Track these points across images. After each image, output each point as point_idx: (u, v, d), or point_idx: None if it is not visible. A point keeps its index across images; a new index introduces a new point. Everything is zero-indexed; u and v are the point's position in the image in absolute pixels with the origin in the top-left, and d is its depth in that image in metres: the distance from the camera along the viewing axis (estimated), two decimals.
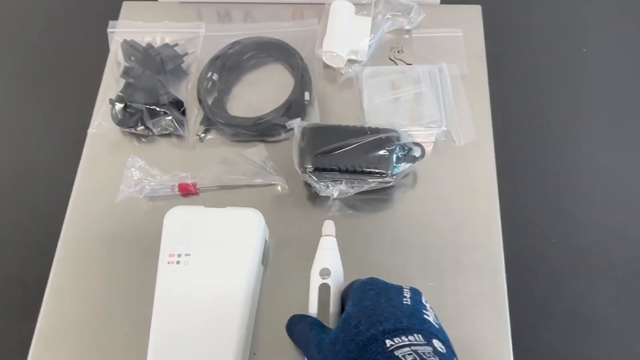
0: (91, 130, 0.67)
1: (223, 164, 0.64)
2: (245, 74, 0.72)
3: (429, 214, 0.62)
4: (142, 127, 0.67)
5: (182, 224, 0.58)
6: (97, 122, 0.67)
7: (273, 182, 0.64)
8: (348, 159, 0.58)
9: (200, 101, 0.68)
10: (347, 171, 0.58)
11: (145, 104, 0.65)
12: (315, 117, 0.67)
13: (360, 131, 0.59)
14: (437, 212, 0.62)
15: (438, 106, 0.65)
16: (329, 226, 0.58)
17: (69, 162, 0.68)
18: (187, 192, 0.64)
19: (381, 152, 0.58)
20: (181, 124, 0.67)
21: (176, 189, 0.63)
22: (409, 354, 0.37)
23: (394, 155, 0.58)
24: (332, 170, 0.59)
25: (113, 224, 0.63)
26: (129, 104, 0.65)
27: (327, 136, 0.59)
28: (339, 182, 0.59)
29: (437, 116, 0.65)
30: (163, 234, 0.58)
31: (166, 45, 0.71)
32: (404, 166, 0.59)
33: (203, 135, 0.68)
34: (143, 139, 0.68)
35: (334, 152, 0.58)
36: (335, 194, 0.59)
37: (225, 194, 0.64)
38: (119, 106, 0.66)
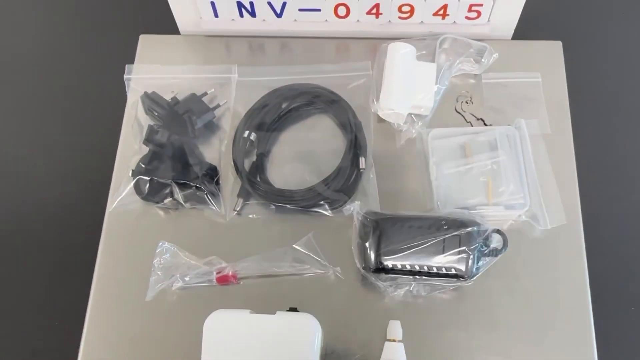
0: (111, 208, 0.57)
1: (265, 257, 0.55)
2: (286, 129, 0.62)
3: (508, 306, 0.53)
4: (171, 198, 0.57)
5: (225, 331, 0.50)
6: (118, 198, 0.57)
7: (324, 271, 0.55)
8: (419, 258, 0.49)
9: (237, 169, 0.58)
10: (418, 273, 0.49)
11: (175, 179, 0.55)
12: (372, 189, 0.57)
13: (435, 224, 0.50)
14: (517, 305, 0.53)
15: (519, 179, 0.55)
16: (394, 328, 0.50)
17: (84, 244, 0.59)
18: (226, 282, 0.55)
19: (460, 252, 0.49)
20: (216, 197, 0.58)
21: (214, 281, 0.55)
22: None
23: (475, 255, 0.49)
24: (400, 272, 0.50)
25: (142, 322, 0.55)
26: (155, 179, 0.56)
27: (395, 229, 0.50)
28: (406, 284, 0.50)
29: (519, 192, 0.55)
30: (203, 343, 0.49)
31: (193, 96, 0.61)
32: (484, 263, 0.50)
33: (241, 209, 0.58)
34: (171, 212, 0.59)
35: (403, 251, 0.49)
36: (402, 294, 0.51)
37: (270, 284, 0.55)
38: (144, 179, 0.56)
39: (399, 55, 0.59)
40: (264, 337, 0.49)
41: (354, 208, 0.52)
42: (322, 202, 0.56)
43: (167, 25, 0.66)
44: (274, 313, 0.50)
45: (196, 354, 0.47)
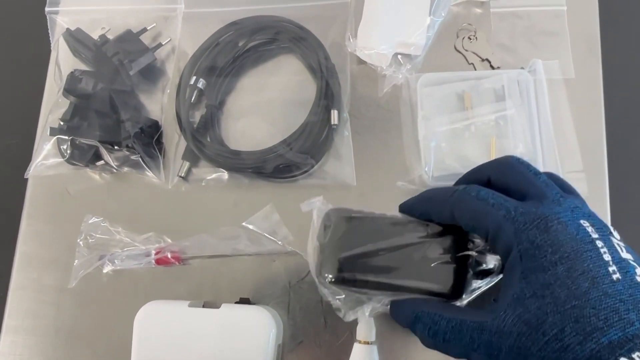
0: (31, 174, 0.47)
1: (215, 235, 0.45)
2: (243, 74, 0.50)
3: None
4: (102, 162, 0.47)
5: (159, 326, 0.41)
6: (39, 161, 0.47)
7: (286, 251, 0.45)
8: (391, 271, 0.37)
9: (180, 125, 0.47)
10: (387, 288, 0.37)
11: (102, 141, 0.45)
12: (346, 151, 0.46)
13: (415, 229, 0.37)
14: None
15: (532, 139, 0.44)
16: (366, 328, 0.40)
17: (5, 217, 0.49)
18: (167, 264, 0.46)
19: (443, 265, 0.36)
20: (154, 159, 0.47)
21: (152, 263, 0.45)
22: None
23: (466, 273, 0.36)
24: (365, 283, 0.37)
25: (69, 312, 0.46)
26: (77, 140, 0.45)
27: (364, 232, 0.37)
28: (372, 299, 0.38)
29: (531, 154, 0.43)
30: (134, 340, 0.41)
31: (128, 33, 0.49)
32: (475, 285, 0.37)
33: (186, 174, 0.48)
34: (105, 175, 0.49)
35: (371, 257, 0.37)
36: (367, 313, 0.39)
37: (221, 265, 0.46)
38: (64, 139, 0.46)
39: None
40: (205, 334, 0.41)
41: (316, 204, 0.39)
42: (284, 166, 0.46)
43: None
44: (219, 306, 0.41)
45: (129, 349, 0.39)
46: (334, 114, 0.46)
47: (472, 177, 0.33)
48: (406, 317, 0.32)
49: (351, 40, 0.46)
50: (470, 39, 0.48)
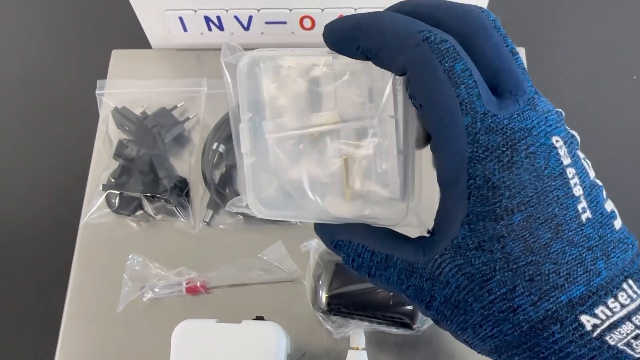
0: (83, 222, 0.59)
1: (234, 266, 0.56)
2: None
3: None
4: (142, 211, 0.59)
5: (193, 340, 0.51)
6: (90, 211, 0.59)
7: (292, 279, 0.56)
8: (365, 304, 0.51)
9: (205, 181, 0.60)
10: (366, 317, 0.51)
11: (144, 193, 0.57)
12: None
13: None
14: None
15: (398, 163, 0.25)
16: (357, 337, 0.51)
17: (59, 259, 0.60)
18: (195, 292, 0.56)
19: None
20: (185, 208, 0.59)
21: (183, 291, 0.56)
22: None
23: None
24: (349, 314, 0.52)
25: (114, 334, 0.56)
26: (125, 193, 0.57)
27: (348, 275, 0.52)
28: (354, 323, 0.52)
29: (395, 189, 0.25)
30: (172, 353, 0.51)
31: (163, 110, 0.62)
32: None
33: (210, 220, 0.59)
34: (143, 223, 0.60)
35: (352, 295, 0.51)
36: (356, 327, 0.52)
37: (239, 292, 0.57)
38: (114, 193, 0.58)
39: None
40: (231, 346, 0.51)
41: (312, 245, 0.53)
42: None
43: (141, 40, 0.68)
44: (240, 322, 0.52)
45: None
46: None
47: (423, 12, 0.22)
48: (327, 241, 0.26)
49: None
50: None
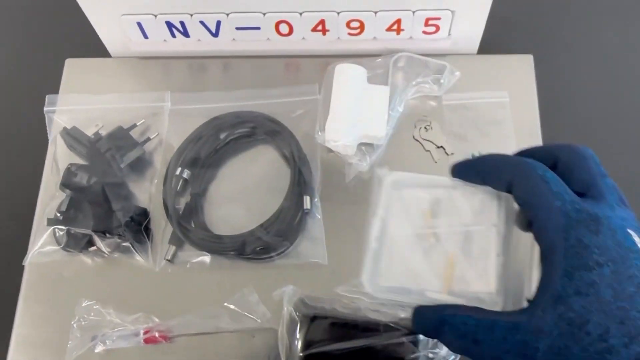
0: (28, 260, 0.51)
1: (199, 315, 0.49)
2: (224, 164, 0.55)
3: None
4: (95, 247, 0.52)
5: None
6: (36, 249, 0.51)
7: (265, 327, 0.49)
8: None
9: (167, 212, 0.52)
10: None
11: (95, 230, 0.49)
12: (318, 233, 0.51)
13: (368, 328, 0.43)
14: None
15: (495, 264, 0.31)
16: None
17: (2, 302, 0.53)
18: (155, 343, 0.49)
19: None
20: (143, 245, 0.52)
21: (141, 341, 0.49)
22: None
23: None
24: None
25: None
26: (72, 230, 0.50)
27: (324, 331, 0.44)
28: None
29: (491, 285, 0.31)
30: None
31: (119, 130, 0.54)
32: None
33: (172, 257, 0.52)
34: (97, 259, 0.53)
35: (328, 356, 0.43)
36: None
37: (205, 342, 0.50)
38: (61, 228, 0.50)
39: (346, 78, 0.53)
40: None
41: (286, 292, 0.45)
42: (262, 248, 0.50)
43: (100, 48, 0.60)
44: None
45: None
46: (307, 199, 0.52)
47: (538, 154, 0.31)
48: (431, 322, 0.30)
49: (320, 133, 0.52)
50: (427, 129, 0.55)
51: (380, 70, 0.55)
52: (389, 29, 0.55)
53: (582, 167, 0.29)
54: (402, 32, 0.56)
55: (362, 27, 0.55)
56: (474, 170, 0.32)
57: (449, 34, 0.56)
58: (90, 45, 0.59)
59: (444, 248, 0.33)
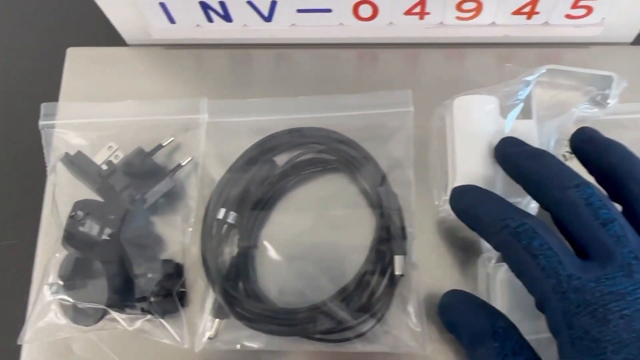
0: (25, 340, 0.38)
1: None
2: (283, 204, 0.41)
3: None
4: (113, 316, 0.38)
5: None
6: (32, 324, 0.38)
7: None
8: None
9: (207, 272, 0.38)
10: None
11: (110, 305, 0.36)
12: (415, 310, 0.37)
13: None
14: None
15: None
16: None
17: None
18: None
19: None
20: (175, 317, 0.38)
21: None
22: None
23: None
24: None
25: None
26: (78, 304, 0.36)
27: None
28: None
29: None
30: None
31: (139, 154, 0.40)
32: None
33: (217, 333, 0.38)
34: (116, 331, 0.40)
35: None
36: None
37: None
38: (66, 300, 0.37)
39: (474, 116, 0.35)
40: None
41: None
42: (338, 328, 0.36)
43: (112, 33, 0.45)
44: None
45: None
46: (398, 260, 0.37)
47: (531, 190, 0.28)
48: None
49: (443, 198, 0.37)
50: (565, 157, 0.39)
51: (513, 98, 0.37)
52: (517, 12, 0.38)
53: (575, 221, 0.25)
54: (534, 16, 0.39)
55: (479, 8, 0.38)
56: (466, 219, 0.30)
57: (603, 18, 0.39)
58: (98, 32, 0.44)
59: None
